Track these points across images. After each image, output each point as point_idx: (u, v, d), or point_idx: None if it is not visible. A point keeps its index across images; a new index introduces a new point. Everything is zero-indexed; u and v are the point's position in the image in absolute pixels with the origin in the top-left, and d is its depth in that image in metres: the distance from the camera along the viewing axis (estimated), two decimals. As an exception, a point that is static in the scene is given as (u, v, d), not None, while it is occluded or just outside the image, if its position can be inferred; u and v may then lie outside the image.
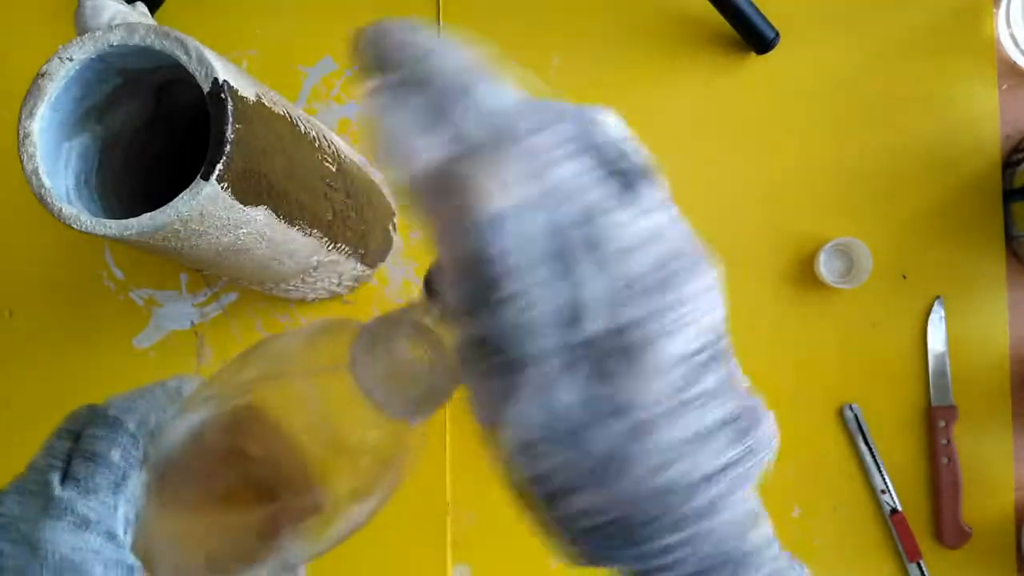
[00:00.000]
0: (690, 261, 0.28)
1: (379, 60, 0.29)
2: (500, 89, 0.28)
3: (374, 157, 0.28)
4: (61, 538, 0.32)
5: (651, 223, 0.27)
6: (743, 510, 0.29)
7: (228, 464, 0.36)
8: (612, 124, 0.29)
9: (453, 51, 0.29)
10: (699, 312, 0.28)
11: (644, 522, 0.27)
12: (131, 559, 0.34)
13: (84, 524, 0.33)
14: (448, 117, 0.27)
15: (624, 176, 0.28)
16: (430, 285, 0.31)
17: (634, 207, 0.27)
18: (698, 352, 0.28)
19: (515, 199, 0.26)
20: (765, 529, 0.30)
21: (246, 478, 0.36)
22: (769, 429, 0.30)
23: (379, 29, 0.29)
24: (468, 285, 0.26)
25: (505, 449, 0.28)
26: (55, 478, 0.34)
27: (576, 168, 0.27)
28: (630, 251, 0.26)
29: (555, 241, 0.26)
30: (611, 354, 0.26)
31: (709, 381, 0.28)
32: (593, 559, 0.29)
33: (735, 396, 0.29)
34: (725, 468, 0.28)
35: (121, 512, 0.34)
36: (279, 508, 0.36)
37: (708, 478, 0.27)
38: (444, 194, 0.26)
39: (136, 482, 0.35)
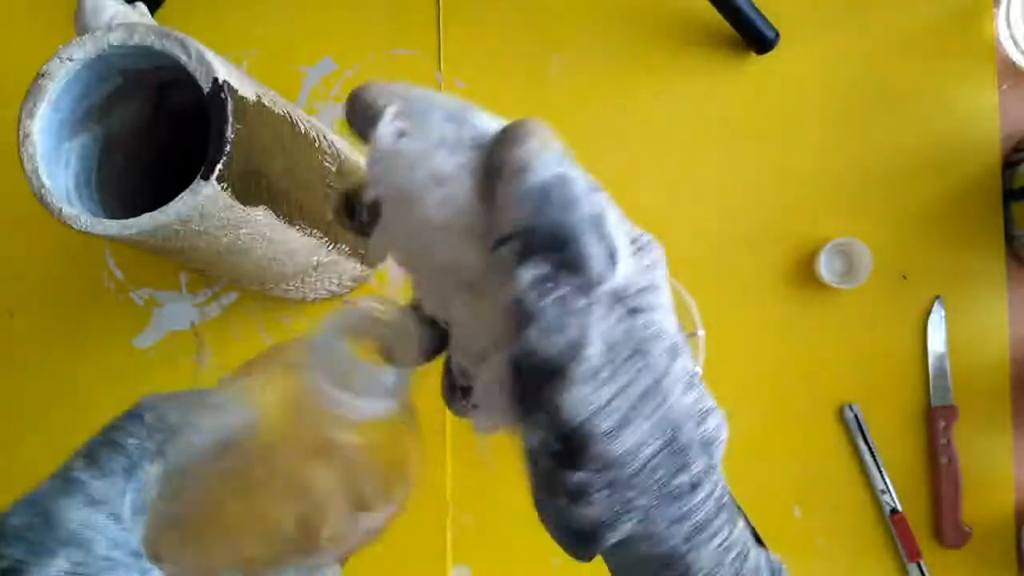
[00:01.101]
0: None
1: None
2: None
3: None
4: (71, 515, 0.33)
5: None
6: None
7: (249, 469, 0.37)
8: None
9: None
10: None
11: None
12: (135, 542, 0.34)
13: (92, 503, 0.34)
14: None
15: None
16: (350, 209, 0.31)
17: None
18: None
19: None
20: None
21: (268, 482, 0.37)
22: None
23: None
24: (549, 228, 0.27)
25: (582, 367, 0.28)
26: (80, 461, 0.35)
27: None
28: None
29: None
30: (638, 295, 0.29)
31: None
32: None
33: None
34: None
35: (129, 497, 0.35)
36: (303, 512, 0.36)
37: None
38: (493, 168, 0.29)
39: (147, 472, 0.36)
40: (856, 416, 0.76)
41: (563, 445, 0.27)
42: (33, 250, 0.79)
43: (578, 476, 0.28)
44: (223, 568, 0.37)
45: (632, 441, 0.28)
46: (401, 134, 0.29)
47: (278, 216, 0.50)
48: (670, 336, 0.29)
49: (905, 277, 0.77)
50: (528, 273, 0.26)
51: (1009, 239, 0.77)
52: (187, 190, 0.43)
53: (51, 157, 0.47)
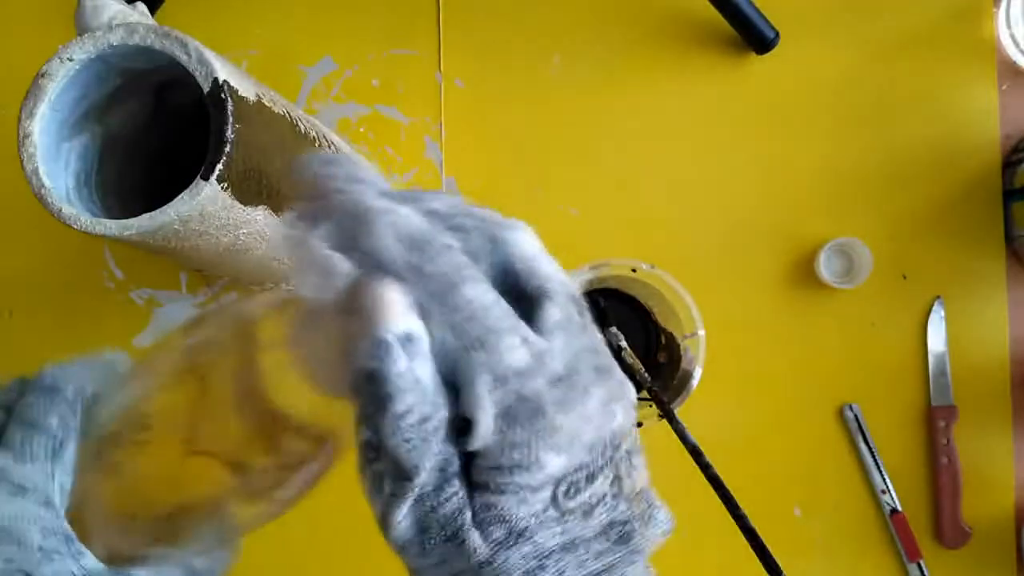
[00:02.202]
0: (585, 379, 0.29)
1: (304, 189, 0.31)
2: (411, 210, 0.29)
3: (294, 276, 0.29)
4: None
5: (543, 347, 0.29)
6: None
7: (169, 434, 0.36)
8: (522, 242, 0.31)
9: (367, 180, 0.30)
10: (586, 430, 0.29)
11: None
12: (67, 527, 0.33)
13: (20, 491, 0.33)
14: (358, 240, 0.29)
15: (526, 299, 0.30)
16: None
17: (529, 331, 0.29)
18: (580, 468, 0.30)
19: (414, 321, 0.28)
20: None
21: (187, 447, 0.36)
22: (661, 527, 0.34)
23: (304, 160, 0.31)
24: (362, 399, 0.28)
25: (389, 539, 0.30)
26: None
27: (479, 290, 0.28)
28: (520, 375, 0.28)
29: (448, 362, 0.28)
30: (491, 472, 0.28)
31: (592, 491, 0.30)
32: None
33: (624, 501, 0.32)
34: (601, 572, 0.31)
35: (57, 480, 0.34)
36: (220, 479, 0.36)
37: None
38: (350, 310, 0.28)
39: (72, 450, 0.35)
40: (856, 416, 0.76)
41: None
42: (33, 250, 0.79)
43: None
44: (138, 540, 0.36)
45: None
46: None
47: (278, 216, 0.50)
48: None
49: (905, 277, 0.77)
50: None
51: (1009, 239, 0.77)
52: (187, 190, 0.43)
53: (51, 157, 0.47)
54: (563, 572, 0.30)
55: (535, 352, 0.28)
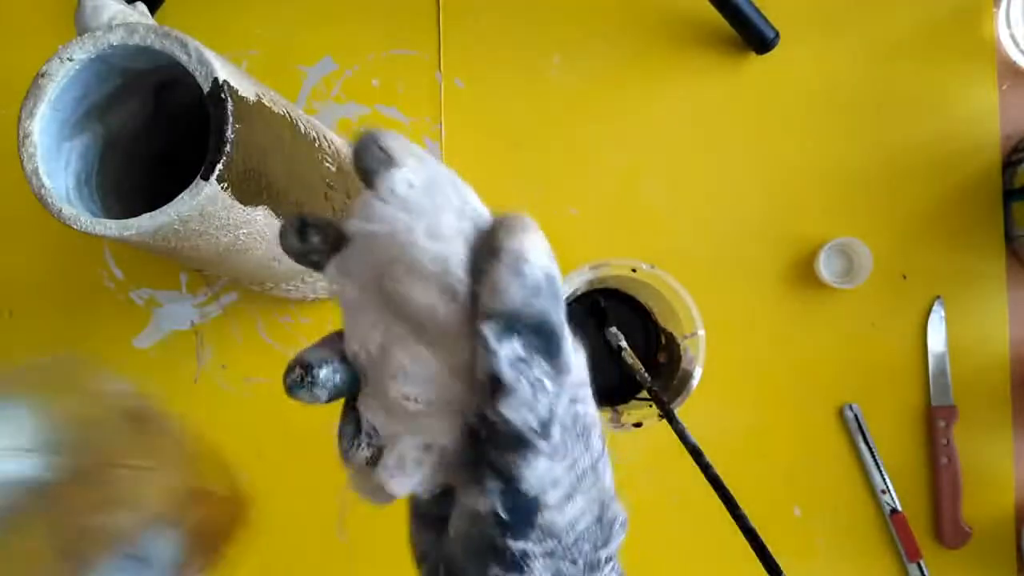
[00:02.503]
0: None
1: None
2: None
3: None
4: None
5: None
6: None
7: None
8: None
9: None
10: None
11: None
12: None
13: None
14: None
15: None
16: (302, 230, 0.32)
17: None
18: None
19: None
20: None
21: None
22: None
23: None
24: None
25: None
26: None
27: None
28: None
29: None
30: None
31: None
32: None
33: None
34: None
35: None
36: None
37: None
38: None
39: None
40: (856, 416, 0.76)
41: (513, 514, 0.29)
42: (33, 250, 0.79)
43: (521, 545, 0.29)
44: None
45: (572, 514, 0.30)
46: (411, 185, 0.30)
47: (278, 216, 0.50)
48: (599, 425, 0.32)
49: (905, 277, 0.77)
50: (510, 350, 0.27)
51: (1009, 239, 0.77)
52: (187, 190, 0.43)
53: (51, 157, 0.47)
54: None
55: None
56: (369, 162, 0.31)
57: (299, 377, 0.31)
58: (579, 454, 0.30)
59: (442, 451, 0.31)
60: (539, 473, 0.28)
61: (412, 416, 0.30)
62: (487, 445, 0.28)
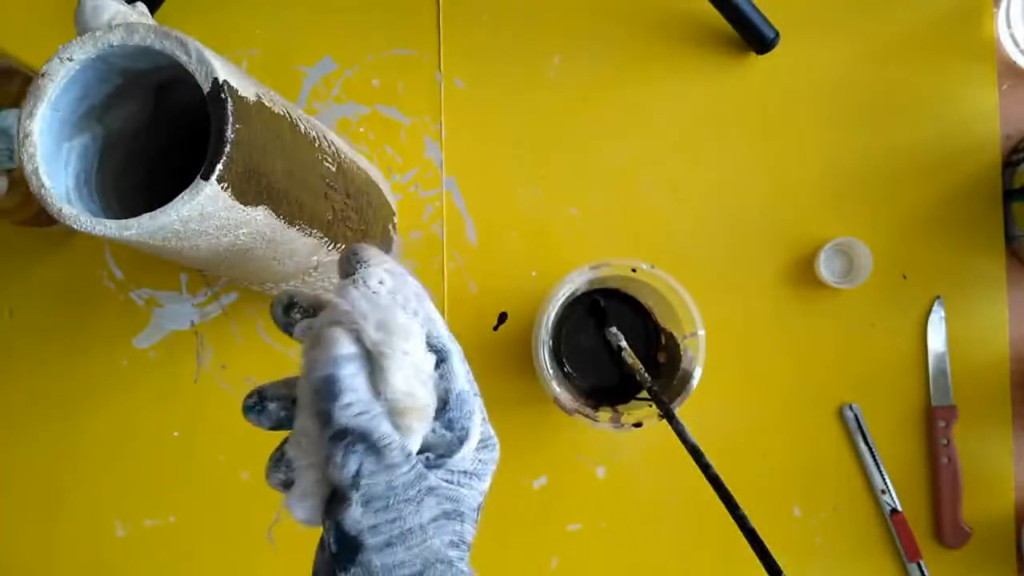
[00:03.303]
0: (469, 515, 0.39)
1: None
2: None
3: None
4: None
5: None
6: None
7: None
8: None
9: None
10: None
11: None
12: None
13: None
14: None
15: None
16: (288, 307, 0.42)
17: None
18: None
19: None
20: None
21: None
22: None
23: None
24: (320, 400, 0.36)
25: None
26: None
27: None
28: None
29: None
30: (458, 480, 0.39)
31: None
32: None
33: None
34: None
35: None
36: None
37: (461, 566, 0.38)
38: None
39: None
40: (856, 416, 0.76)
41: (339, 547, 0.36)
42: (33, 250, 0.79)
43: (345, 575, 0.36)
44: None
45: (390, 560, 0.36)
46: (381, 282, 0.38)
47: (278, 216, 0.50)
48: (466, 505, 0.39)
49: (905, 277, 0.77)
50: (328, 432, 0.36)
51: (1009, 239, 0.77)
52: (187, 190, 0.43)
53: (51, 157, 0.47)
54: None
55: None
56: (350, 266, 0.39)
57: (253, 403, 0.40)
58: (408, 514, 0.36)
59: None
60: (354, 518, 0.35)
61: (311, 457, 0.37)
62: (329, 498, 0.37)
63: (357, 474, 0.35)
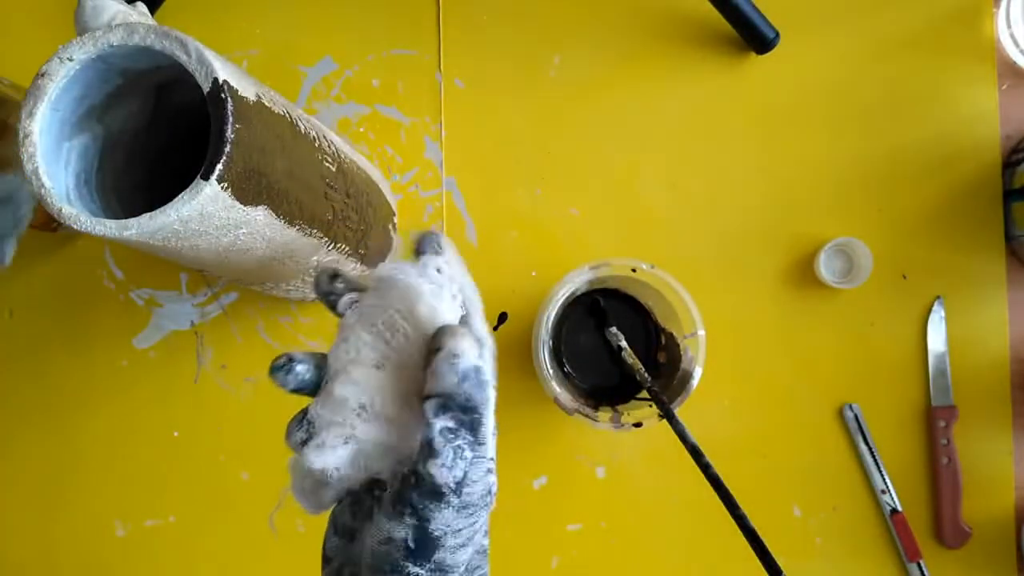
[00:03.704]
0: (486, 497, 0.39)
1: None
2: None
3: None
4: None
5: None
6: None
7: None
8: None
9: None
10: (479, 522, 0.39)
11: None
12: None
13: None
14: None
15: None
16: (333, 277, 0.42)
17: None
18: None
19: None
20: None
21: None
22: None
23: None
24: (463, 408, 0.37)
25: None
26: None
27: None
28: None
29: None
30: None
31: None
32: None
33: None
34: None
35: None
36: None
37: None
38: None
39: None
40: (856, 416, 0.76)
41: (418, 545, 0.36)
42: (33, 250, 0.79)
43: (416, 570, 0.37)
44: None
45: (461, 559, 0.38)
46: (439, 270, 0.40)
47: (278, 216, 0.50)
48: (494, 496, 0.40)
49: (905, 277, 0.77)
50: (441, 423, 0.36)
51: (1009, 239, 0.77)
52: (187, 190, 0.43)
53: (51, 157, 0.47)
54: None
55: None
56: (426, 246, 0.41)
57: (282, 364, 0.42)
58: (480, 517, 0.38)
59: (359, 447, 0.39)
60: (446, 520, 0.36)
61: (345, 413, 0.39)
62: (412, 490, 0.36)
63: (463, 481, 0.36)
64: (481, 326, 0.41)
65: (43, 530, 0.78)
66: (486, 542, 0.40)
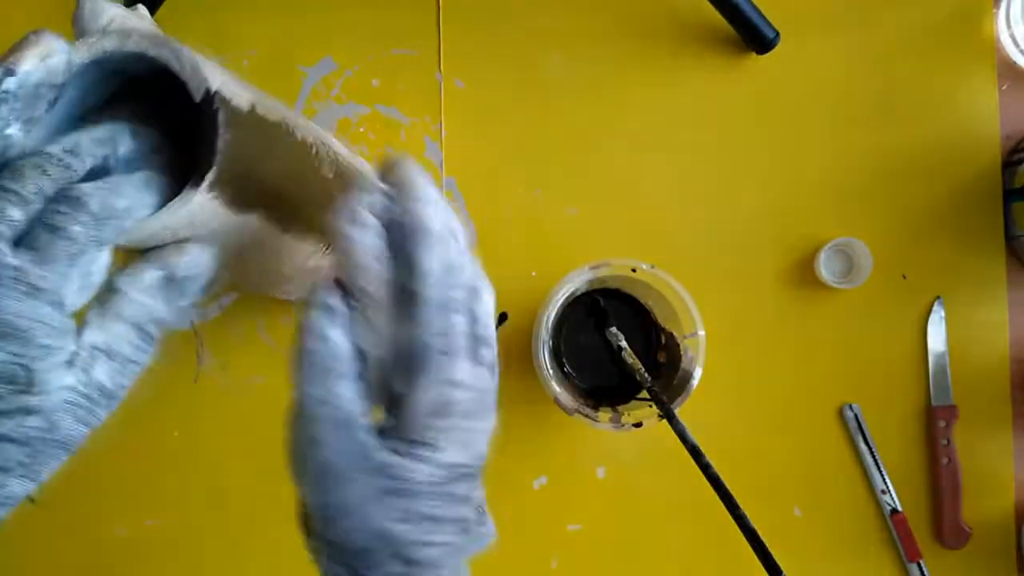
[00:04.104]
0: (485, 409, 0.41)
1: None
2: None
3: None
4: (6, 304, 0.33)
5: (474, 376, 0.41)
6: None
7: None
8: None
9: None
10: (475, 442, 0.40)
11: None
12: (73, 324, 0.37)
13: (34, 291, 0.35)
14: None
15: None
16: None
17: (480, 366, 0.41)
18: (463, 466, 0.40)
19: None
20: None
21: None
22: (487, 533, 0.42)
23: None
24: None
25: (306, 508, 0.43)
26: (4, 246, 0.34)
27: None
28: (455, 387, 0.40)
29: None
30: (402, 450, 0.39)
31: (461, 488, 0.40)
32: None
33: (473, 504, 0.41)
34: (443, 544, 0.39)
35: (75, 283, 0.37)
36: None
37: (427, 544, 0.39)
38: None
39: (93, 256, 0.39)
40: (856, 416, 0.76)
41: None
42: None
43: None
44: None
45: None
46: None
47: (271, 223, 0.50)
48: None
49: (905, 277, 0.77)
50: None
51: (1009, 239, 0.77)
52: (177, 199, 0.43)
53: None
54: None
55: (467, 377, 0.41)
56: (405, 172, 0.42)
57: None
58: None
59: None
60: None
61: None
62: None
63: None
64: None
65: (43, 530, 0.78)
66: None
